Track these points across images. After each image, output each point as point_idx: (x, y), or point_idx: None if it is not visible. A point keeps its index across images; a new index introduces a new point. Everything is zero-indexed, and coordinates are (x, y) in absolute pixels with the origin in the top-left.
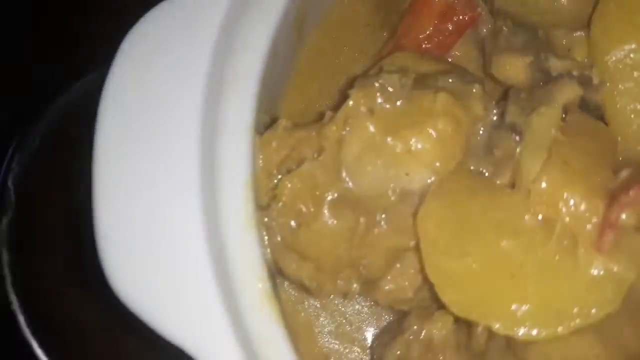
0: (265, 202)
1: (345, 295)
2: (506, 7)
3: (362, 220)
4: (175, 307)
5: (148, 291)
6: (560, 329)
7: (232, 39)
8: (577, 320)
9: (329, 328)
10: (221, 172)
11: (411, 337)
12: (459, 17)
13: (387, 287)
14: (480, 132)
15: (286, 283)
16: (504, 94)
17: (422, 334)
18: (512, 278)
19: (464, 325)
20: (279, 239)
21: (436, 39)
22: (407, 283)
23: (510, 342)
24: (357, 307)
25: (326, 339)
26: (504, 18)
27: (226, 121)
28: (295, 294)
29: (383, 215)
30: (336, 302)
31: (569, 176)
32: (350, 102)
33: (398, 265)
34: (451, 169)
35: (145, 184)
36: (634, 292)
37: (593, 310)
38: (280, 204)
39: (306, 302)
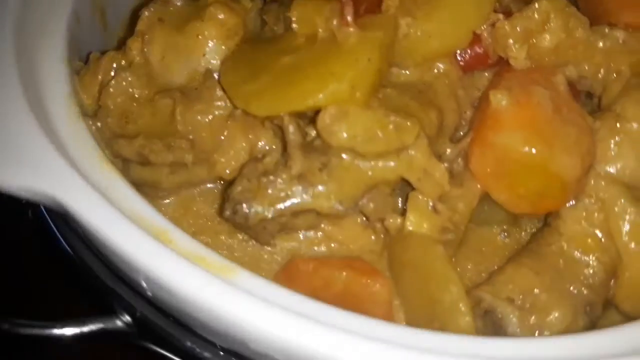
0: (92, 112)
1: (182, 166)
2: None
3: (179, 102)
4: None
5: None
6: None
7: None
8: None
9: None
10: (44, 88)
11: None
12: None
13: (222, 159)
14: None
15: None
16: None
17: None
18: (295, 80)
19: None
20: (108, 134)
21: None
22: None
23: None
24: None
25: None
26: None
27: (42, 59)
28: None
29: (196, 95)
30: None
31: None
32: (145, 14)
33: (223, 137)
34: (236, 43)
35: None
36: None
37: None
38: (107, 108)
39: None
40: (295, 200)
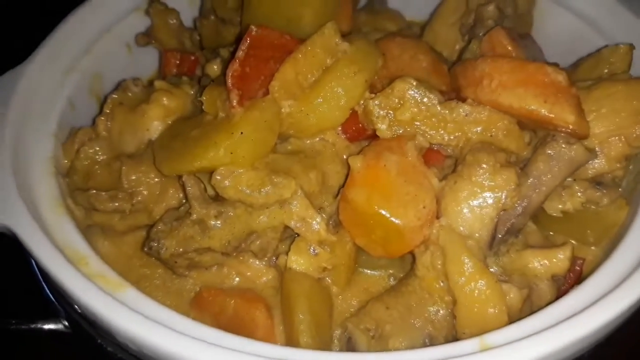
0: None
1: (123, 212)
2: None
3: (125, 164)
4: None
5: None
6: None
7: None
8: None
9: None
10: (30, 153)
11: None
12: None
13: (156, 209)
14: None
15: None
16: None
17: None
18: (191, 148)
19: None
20: (72, 187)
21: None
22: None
23: None
24: None
25: None
26: None
27: (35, 134)
28: None
29: (140, 160)
30: None
31: None
32: (110, 99)
33: (157, 192)
34: (173, 120)
35: None
36: None
37: None
38: (75, 168)
39: None
40: (195, 241)
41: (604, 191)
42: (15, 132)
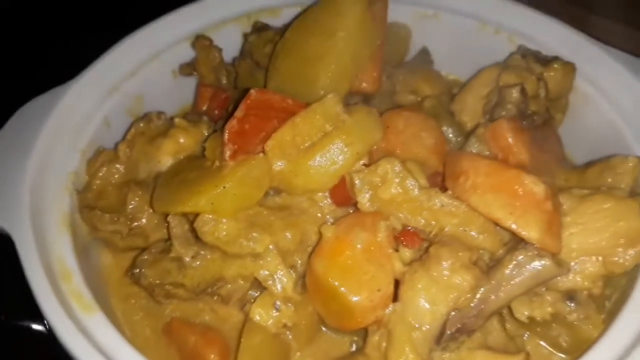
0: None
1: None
2: None
3: (131, 191)
4: None
5: None
6: None
7: None
8: None
9: None
10: (55, 167)
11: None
12: None
13: (152, 236)
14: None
15: None
16: None
17: None
18: (182, 191)
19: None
20: (84, 204)
21: None
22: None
23: None
24: None
25: None
26: None
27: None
28: None
29: (146, 188)
30: None
31: None
32: (134, 128)
33: (156, 221)
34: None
35: None
36: None
37: None
38: (90, 186)
39: None
40: (171, 275)
41: (574, 306)
42: (46, 144)
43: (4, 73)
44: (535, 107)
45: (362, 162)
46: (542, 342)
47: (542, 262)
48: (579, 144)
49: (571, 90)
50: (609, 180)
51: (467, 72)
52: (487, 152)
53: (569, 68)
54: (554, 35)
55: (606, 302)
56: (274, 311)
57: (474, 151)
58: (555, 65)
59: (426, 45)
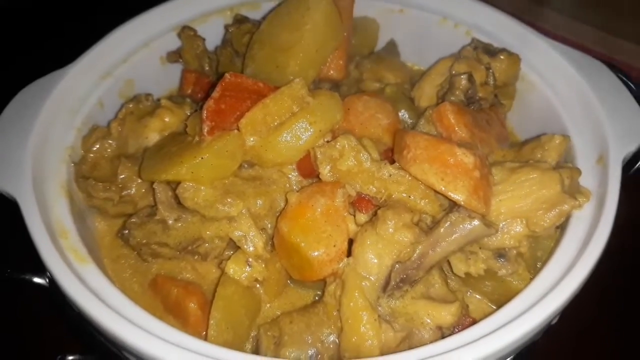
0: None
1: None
2: None
3: (121, 164)
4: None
5: None
6: None
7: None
8: None
9: None
10: (54, 140)
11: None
12: None
13: (140, 202)
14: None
15: None
16: None
17: None
18: (165, 161)
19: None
20: (79, 174)
21: None
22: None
23: None
24: None
25: None
26: None
27: (60, 124)
28: None
29: (135, 161)
30: None
31: None
32: (125, 107)
33: (144, 190)
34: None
35: None
36: None
37: None
38: (86, 159)
39: None
40: (157, 235)
41: (504, 263)
42: (46, 122)
43: (8, 59)
44: (483, 94)
45: (326, 139)
46: (480, 297)
47: (473, 222)
48: (525, 126)
49: (518, 79)
50: (539, 155)
51: (430, 63)
52: (434, 132)
53: (514, 59)
54: (505, 30)
55: (538, 264)
56: (247, 267)
57: (423, 130)
58: (502, 57)
59: (393, 38)
